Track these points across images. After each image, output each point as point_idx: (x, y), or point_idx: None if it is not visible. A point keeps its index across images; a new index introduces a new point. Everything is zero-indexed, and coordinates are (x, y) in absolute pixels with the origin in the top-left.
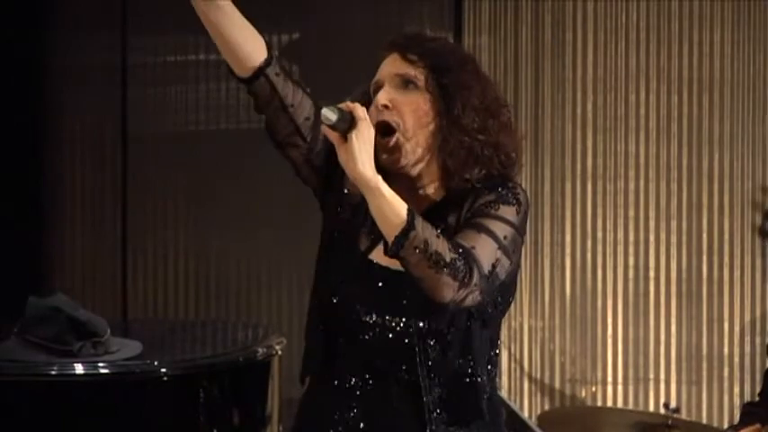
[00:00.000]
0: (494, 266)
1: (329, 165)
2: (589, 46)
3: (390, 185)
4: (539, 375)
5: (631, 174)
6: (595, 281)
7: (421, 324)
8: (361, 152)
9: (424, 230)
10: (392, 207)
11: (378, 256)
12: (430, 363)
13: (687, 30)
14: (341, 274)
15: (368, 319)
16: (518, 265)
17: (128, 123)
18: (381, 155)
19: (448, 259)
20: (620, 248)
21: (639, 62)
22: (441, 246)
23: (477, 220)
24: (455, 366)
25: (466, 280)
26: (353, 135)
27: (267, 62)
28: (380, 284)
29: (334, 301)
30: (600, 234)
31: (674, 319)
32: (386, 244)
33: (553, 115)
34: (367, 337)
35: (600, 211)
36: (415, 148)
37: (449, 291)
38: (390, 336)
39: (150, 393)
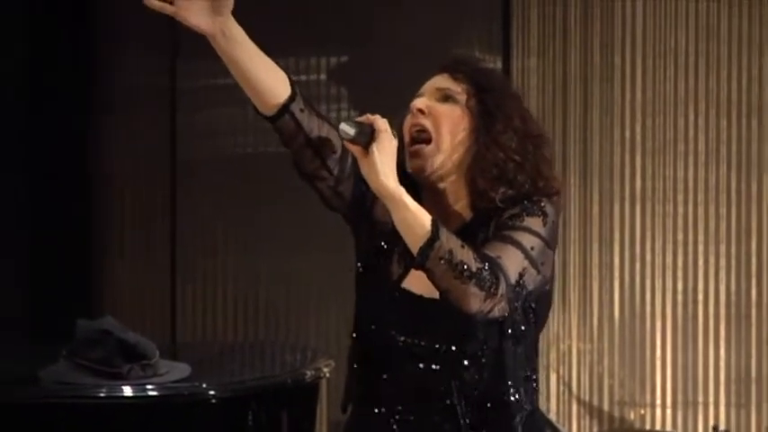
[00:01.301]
0: (521, 276)
1: (359, 194)
2: (638, 69)
3: (420, 204)
4: (587, 398)
5: (680, 197)
6: (644, 304)
7: (455, 348)
8: (383, 164)
9: (449, 241)
10: (416, 218)
11: (410, 283)
12: (466, 385)
13: (735, 53)
14: (377, 303)
15: (405, 346)
16: (551, 279)
17: (177, 147)
18: (409, 160)
19: (474, 269)
20: (669, 272)
21: (688, 85)
22: (466, 256)
23: (503, 232)
24: (490, 387)
25: (493, 290)
26: (375, 147)
27: (291, 98)
28: (414, 311)
29: (373, 328)
30: (648, 257)
31: (722, 342)
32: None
33: (602, 138)
34: (405, 363)
35: (648, 234)
36: (444, 161)
37: (476, 301)
38: (427, 362)
39: (199, 415)
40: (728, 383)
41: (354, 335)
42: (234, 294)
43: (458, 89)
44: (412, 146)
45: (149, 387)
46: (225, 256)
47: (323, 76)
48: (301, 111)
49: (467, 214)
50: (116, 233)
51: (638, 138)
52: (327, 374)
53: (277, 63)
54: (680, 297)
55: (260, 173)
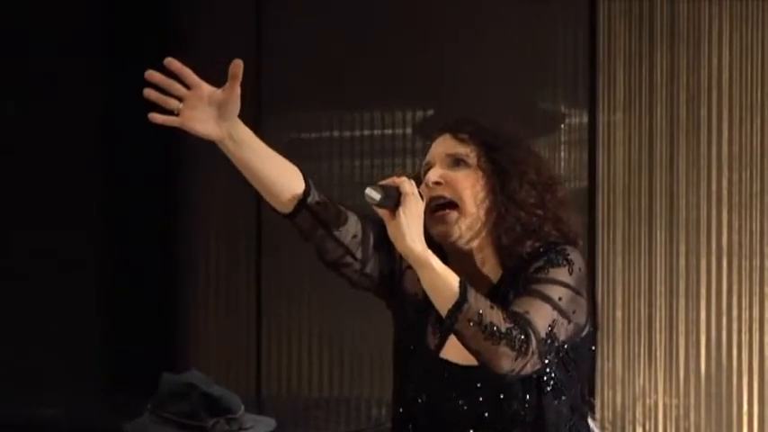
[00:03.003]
0: (551, 328)
1: (387, 271)
2: (724, 122)
3: (449, 266)
4: None
5: (767, 251)
6: (730, 359)
7: (497, 410)
8: (409, 227)
9: (478, 302)
10: (444, 281)
11: (448, 353)
12: None
13: None
14: (418, 376)
15: (450, 415)
16: (591, 327)
17: (261, 200)
18: (433, 227)
19: (503, 329)
20: (756, 326)
21: None
22: (495, 316)
23: (530, 287)
24: None
25: (523, 348)
26: (401, 210)
27: (306, 193)
28: (455, 380)
29: (419, 401)
30: (735, 312)
31: None
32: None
33: (688, 191)
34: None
35: (735, 288)
36: (472, 225)
37: (507, 361)
38: (475, 427)
39: None
40: None
41: (400, 409)
42: (319, 347)
43: (466, 151)
44: (435, 212)
45: None
46: (310, 309)
47: (408, 130)
48: (318, 204)
49: (496, 274)
50: (201, 286)
51: (725, 191)
52: None
53: (363, 116)
54: (767, 352)
55: None
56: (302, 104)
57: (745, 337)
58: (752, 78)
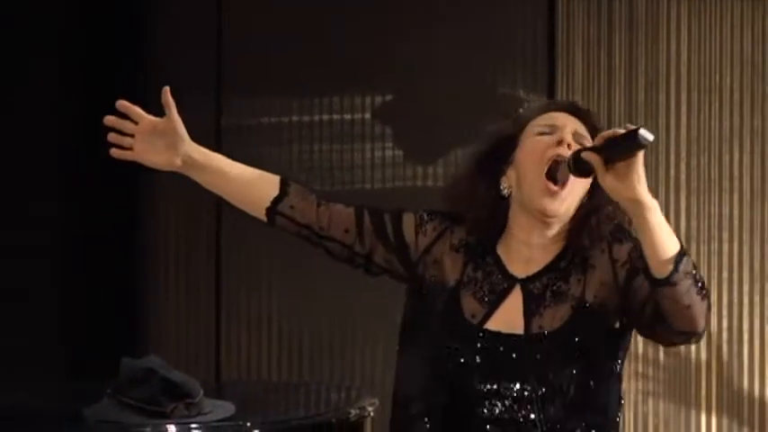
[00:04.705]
0: None
1: (399, 249)
2: (682, 107)
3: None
4: None
5: (725, 236)
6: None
7: (542, 385)
8: (641, 173)
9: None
10: (669, 229)
11: (492, 324)
12: (548, 423)
13: None
14: (452, 347)
15: (483, 388)
16: None
17: None
18: (538, 197)
19: (705, 287)
20: (714, 310)
21: (733, 123)
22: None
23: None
24: (578, 425)
25: (710, 307)
26: (639, 156)
27: (277, 200)
28: (500, 350)
29: (448, 371)
30: None
31: None
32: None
33: (647, 177)
34: (486, 406)
35: None
36: (569, 207)
37: (704, 320)
38: (509, 403)
39: None
40: None
41: (418, 391)
42: (278, 332)
43: (588, 137)
44: (549, 183)
45: (194, 426)
46: (270, 295)
47: (367, 115)
48: (292, 208)
49: (554, 249)
50: (160, 270)
51: (683, 176)
52: (372, 413)
53: (323, 101)
54: (725, 336)
55: None
56: (261, 90)
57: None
58: (710, 64)
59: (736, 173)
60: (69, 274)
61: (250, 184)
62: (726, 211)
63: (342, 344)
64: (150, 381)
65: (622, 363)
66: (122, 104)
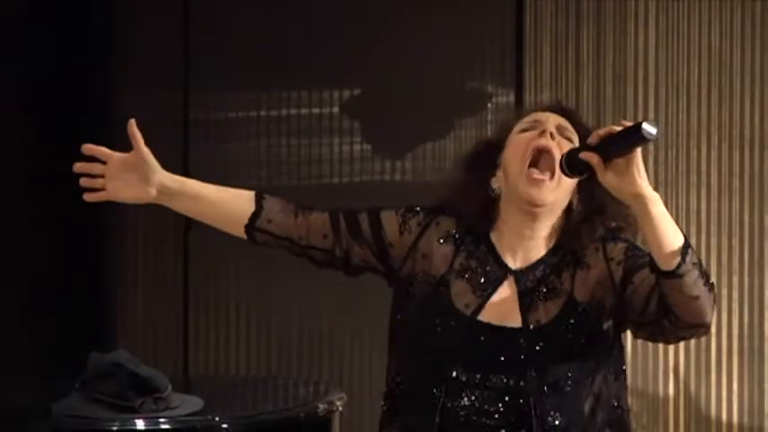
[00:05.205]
0: None
1: (375, 254)
2: (650, 102)
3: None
4: None
5: (692, 229)
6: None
7: (538, 380)
8: (641, 168)
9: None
10: (672, 222)
11: (485, 315)
12: (543, 417)
13: (749, 85)
14: (442, 344)
15: (468, 379)
16: None
17: (189, 173)
18: (524, 185)
19: (712, 280)
20: None
21: (701, 118)
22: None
23: (643, 261)
24: (574, 419)
25: (715, 300)
26: (638, 151)
27: (254, 216)
28: (494, 342)
29: (433, 363)
30: None
31: (735, 377)
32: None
33: None
34: (471, 397)
35: None
36: (558, 198)
37: (711, 311)
38: (495, 395)
39: None
40: (741, 419)
41: (408, 384)
42: (246, 327)
43: (574, 133)
44: (531, 171)
45: (162, 421)
46: (237, 288)
47: (335, 109)
48: (269, 222)
49: (546, 246)
50: (129, 265)
51: (651, 170)
52: (340, 408)
53: (291, 95)
54: None
55: None
56: (229, 84)
57: None
58: (678, 58)
59: (704, 167)
60: (35, 267)
61: (226, 205)
62: (693, 205)
63: (310, 338)
64: (118, 375)
65: (621, 361)
66: (87, 148)
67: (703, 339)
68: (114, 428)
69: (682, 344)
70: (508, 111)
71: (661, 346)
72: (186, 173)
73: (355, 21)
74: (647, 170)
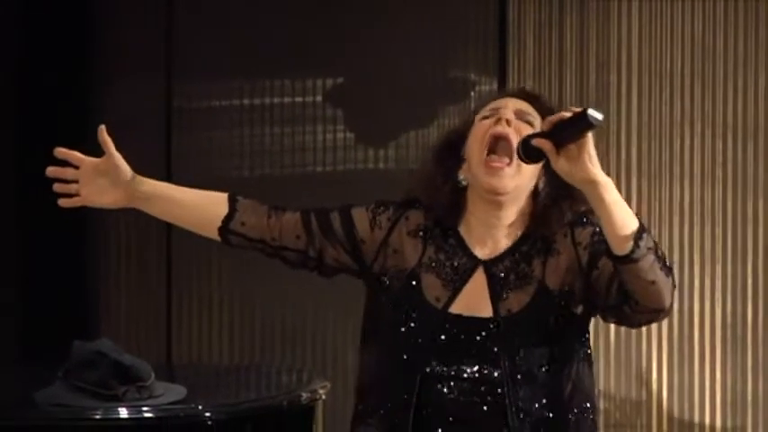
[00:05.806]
0: None
1: (350, 246)
2: (633, 91)
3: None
4: None
5: (676, 219)
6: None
7: (510, 369)
8: (593, 154)
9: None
10: (627, 207)
11: (456, 307)
12: (518, 405)
13: (732, 74)
14: (416, 339)
15: (444, 371)
16: None
17: (172, 168)
18: (483, 174)
19: (669, 263)
20: None
21: (684, 107)
22: (661, 249)
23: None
24: (548, 408)
25: (675, 284)
26: (590, 136)
27: (227, 219)
28: (465, 333)
29: (407, 358)
30: None
31: (718, 364)
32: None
33: (599, 161)
34: (446, 389)
35: None
36: (520, 185)
37: (670, 296)
38: (469, 386)
39: None
40: (725, 406)
41: (380, 380)
42: (229, 315)
43: (534, 114)
44: (490, 158)
45: (145, 409)
46: (220, 277)
47: (318, 98)
48: (243, 224)
49: (515, 233)
50: (112, 255)
51: (634, 159)
52: (323, 396)
53: (274, 84)
54: (675, 318)
55: (255, 194)
56: (212, 73)
57: None
58: (661, 47)
59: (687, 156)
60: (21, 258)
61: (199, 207)
62: (677, 194)
63: (293, 327)
64: (102, 364)
65: (588, 345)
66: (60, 152)
67: (687, 328)
68: (97, 417)
69: (665, 332)
70: None
71: (644, 334)
72: (169, 161)
73: (338, 9)
74: (629, 160)
